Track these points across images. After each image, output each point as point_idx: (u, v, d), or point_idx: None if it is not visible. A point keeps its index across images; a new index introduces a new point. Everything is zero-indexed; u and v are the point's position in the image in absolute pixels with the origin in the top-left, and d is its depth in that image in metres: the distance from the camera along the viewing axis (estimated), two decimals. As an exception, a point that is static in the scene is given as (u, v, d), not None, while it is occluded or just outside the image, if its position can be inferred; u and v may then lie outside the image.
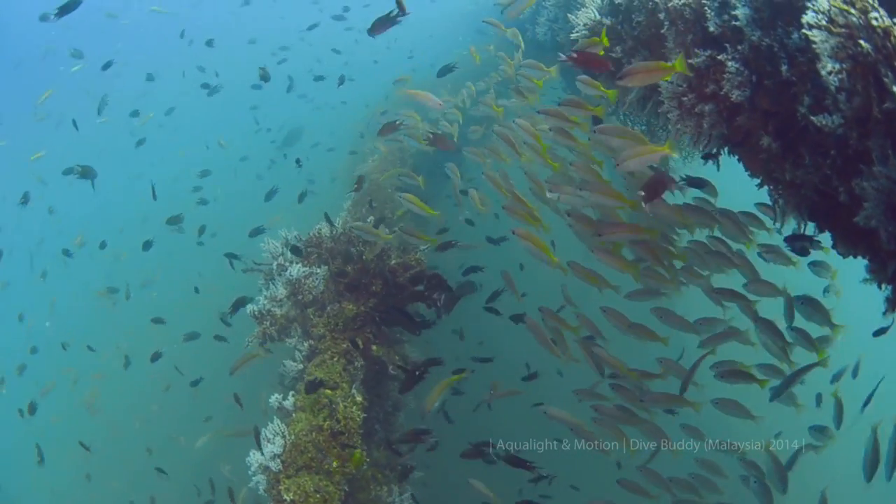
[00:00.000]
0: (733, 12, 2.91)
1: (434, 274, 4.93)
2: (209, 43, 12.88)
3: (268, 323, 5.16)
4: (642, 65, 3.12)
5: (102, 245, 10.39)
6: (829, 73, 1.96)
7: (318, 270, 5.27)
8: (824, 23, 2.01)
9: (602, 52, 3.82)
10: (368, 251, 5.43)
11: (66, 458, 9.52)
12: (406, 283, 5.15)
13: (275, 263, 5.39)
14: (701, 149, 3.34)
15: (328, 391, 4.62)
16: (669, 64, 3.03)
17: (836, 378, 4.67)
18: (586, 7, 4.54)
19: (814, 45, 2.04)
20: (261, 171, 15.65)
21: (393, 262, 5.34)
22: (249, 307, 5.18)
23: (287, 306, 5.20)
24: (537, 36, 6.72)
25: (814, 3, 2.15)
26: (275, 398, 4.72)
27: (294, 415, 4.55)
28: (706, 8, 3.15)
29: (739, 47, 2.95)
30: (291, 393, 4.69)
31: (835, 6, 2.02)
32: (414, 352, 5.72)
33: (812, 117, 2.08)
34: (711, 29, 3.03)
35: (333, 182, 10.59)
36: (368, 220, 5.71)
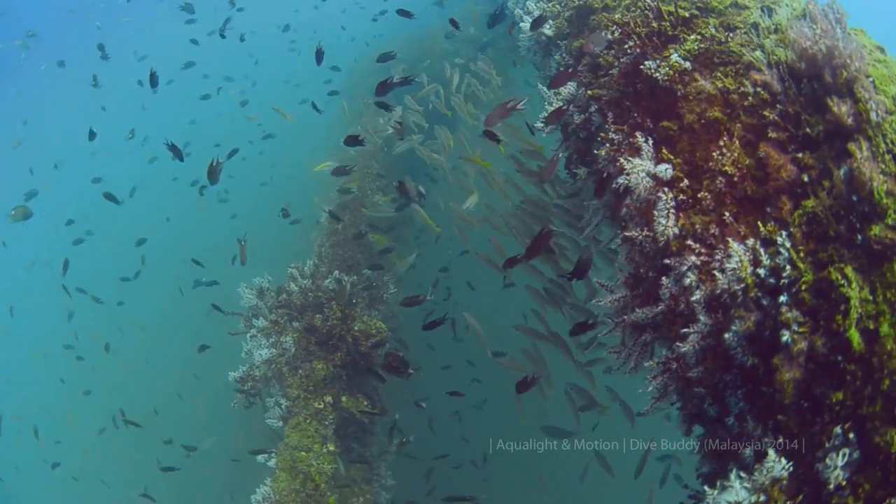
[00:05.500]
0: (693, 326, 2.62)
1: (391, 353, 5.48)
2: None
3: (249, 385, 5.87)
4: None
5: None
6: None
7: (288, 338, 5.82)
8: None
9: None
10: (335, 308, 5.92)
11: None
12: (369, 352, 5.73)
13: (248, 335, 5.92)
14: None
15: (302, 453, 5.51)
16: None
17: None
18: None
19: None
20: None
21: (356, 327, 5.85)
22: (231, 374, 5.84)
23: (264, 369, 5.86)
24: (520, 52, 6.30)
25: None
26: (262, 458, 5.62)
27: (277, 473, 5.50)
28: (663, 277, 2.81)
29: (692, 374, 2.66)
30: (274, 451, 5.58)
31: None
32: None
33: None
34: (660, 307, 2.83)
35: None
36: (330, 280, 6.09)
